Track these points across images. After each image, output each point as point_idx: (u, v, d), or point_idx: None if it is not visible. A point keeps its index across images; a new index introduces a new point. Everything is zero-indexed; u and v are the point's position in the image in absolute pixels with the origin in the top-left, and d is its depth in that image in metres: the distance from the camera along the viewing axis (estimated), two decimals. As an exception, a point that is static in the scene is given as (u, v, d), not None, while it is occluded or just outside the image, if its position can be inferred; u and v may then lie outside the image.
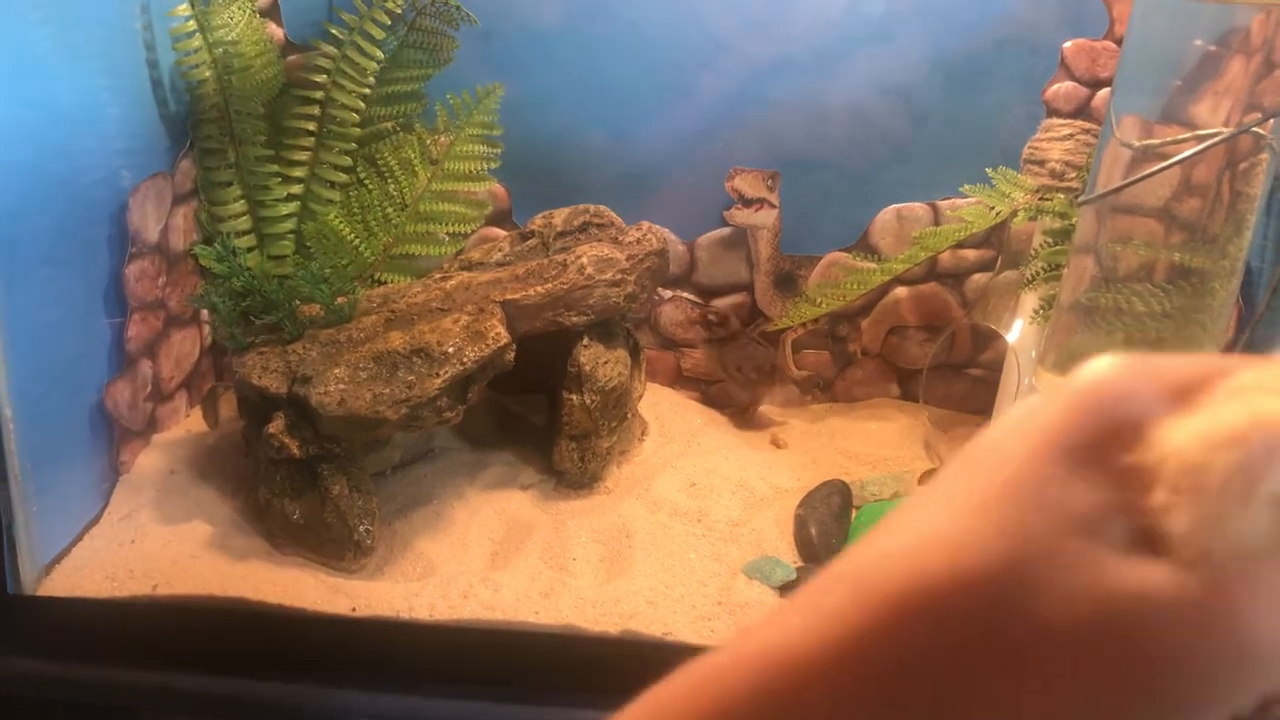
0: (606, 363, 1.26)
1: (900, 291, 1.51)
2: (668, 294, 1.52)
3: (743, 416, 1.50)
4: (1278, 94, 0.91)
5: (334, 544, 1.11)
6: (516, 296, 1.21)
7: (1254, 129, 0.90)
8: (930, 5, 1.39)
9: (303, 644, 1.03)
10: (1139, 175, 0.93)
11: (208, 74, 1.29)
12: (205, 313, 1.37)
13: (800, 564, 1.13)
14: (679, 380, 1.57)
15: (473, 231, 1.42)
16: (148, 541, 1.13)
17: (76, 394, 1.14)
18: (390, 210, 1.38)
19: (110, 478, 1.20)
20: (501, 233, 1.44)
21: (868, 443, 1.44)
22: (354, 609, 1.04)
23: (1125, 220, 1.01)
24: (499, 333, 1.15)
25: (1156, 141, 0.97)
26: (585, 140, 1.46)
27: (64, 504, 1.11)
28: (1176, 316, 0.97)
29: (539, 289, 1.21)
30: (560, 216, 1.34)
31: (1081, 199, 1.04)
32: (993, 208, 1.31)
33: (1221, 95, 0.93)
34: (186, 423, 1.35)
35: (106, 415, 1.18)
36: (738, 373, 1.46)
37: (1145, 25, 1.00)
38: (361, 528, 1.11)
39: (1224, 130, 0.91)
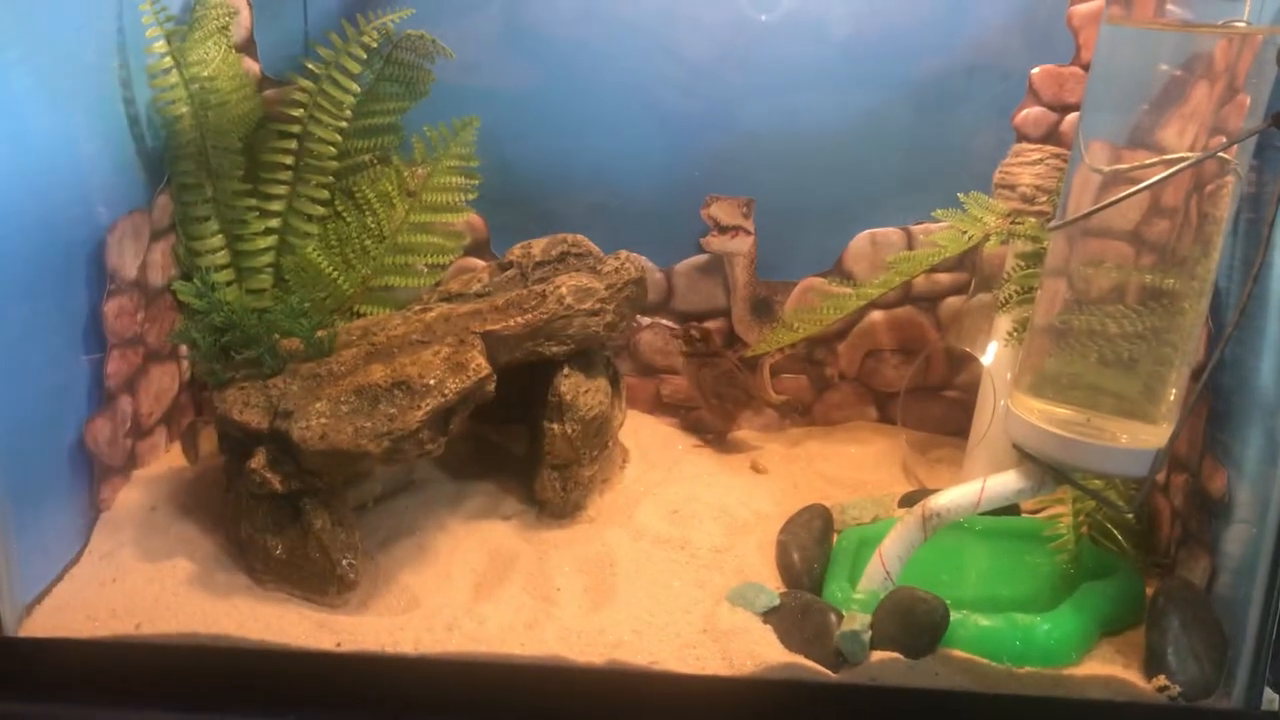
0: (587, 391, 1.27)
1: (876, 316, 1.52)
2: (646, 321, 1.53)
3: (721, 441, 1.50)
4: (1241, 118, 0.93)
5: (317, 578, 1.10)
6: (497, 327, 1.21)
7: (1219, 154, 0.92)
8: (902, 33, 1.41)
9: (287, 681, 1.03)
10: (1109, 200, 0.95)
11: (184, 110, 1.30)
12: (184, 348, 1.37)
13: (783, 589, 1.13)
14: (659, 407, 1.57)
15: (451, 262, 1.43)
16: (129, 580, 1.12)
17: (56, 431, 1.14)
18: (368, 242, 1.38)
19: (90, 515, 1.20)
20: (480, 263, 1.45)
21: (847, 466, 1.45)
22: (339, 644, 1.03)
23: (1096, 243, 1.03)
24: (479, 364, 1.15)
25: (1126, 166, 0.99)
26: (562, 170, 1.47)
27: (44, 543, 1.10)
28: (1149, 337, 0.99)
29: (519, 319, 1.22)
30: (538, 246, 1.35)
31: (1053, 224, 1.06)
32: (965, 232, 1.33)
33: (1187, 120, 0.95)
34: (166, 458, 1.34)
35: (86, 452, 1.18)
36: (715, 399, 1.47)
37: (1110, 51, 1.01)
38: (344, 561, 1.10)
39: (1190, 155, 0.92)
